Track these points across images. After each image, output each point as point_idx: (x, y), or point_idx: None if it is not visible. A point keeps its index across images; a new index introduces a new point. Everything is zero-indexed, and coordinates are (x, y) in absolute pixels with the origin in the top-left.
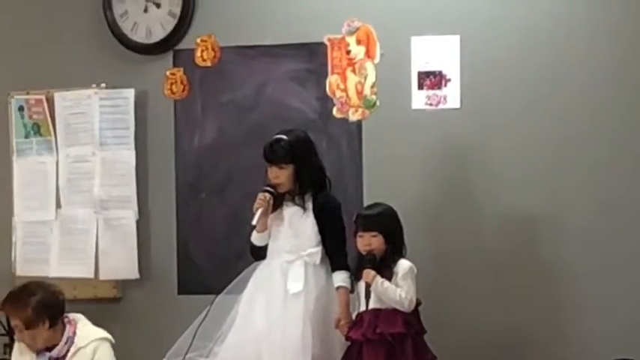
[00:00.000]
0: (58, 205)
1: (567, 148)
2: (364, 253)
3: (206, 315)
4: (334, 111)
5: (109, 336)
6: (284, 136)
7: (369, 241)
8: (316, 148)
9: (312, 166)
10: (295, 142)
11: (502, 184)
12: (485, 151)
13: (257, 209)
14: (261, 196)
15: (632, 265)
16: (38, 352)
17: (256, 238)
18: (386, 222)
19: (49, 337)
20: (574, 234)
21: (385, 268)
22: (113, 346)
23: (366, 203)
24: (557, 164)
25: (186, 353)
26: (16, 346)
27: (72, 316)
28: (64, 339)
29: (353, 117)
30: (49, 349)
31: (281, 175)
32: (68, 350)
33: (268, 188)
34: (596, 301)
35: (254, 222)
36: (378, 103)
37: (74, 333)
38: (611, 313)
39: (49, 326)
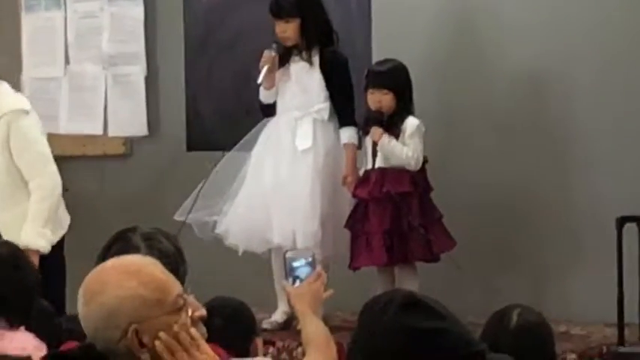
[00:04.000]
0: (67, 62)
1: (579, 2)
2: (374, 109)
3: (210, 172)
4: None
5: (27, 107)
6: None
7: (379, 98)
8: (322, 1)
9: (319, 19)
10: None
11: (511, 40)
12: (493, 6)
13: (262, 67)
14: (266, 53)
15: None
16: None
17: (264, 96)
18: (397, 79)
19: None
20: (583, 89)
21: (393, 126)
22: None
23: (374, 59)
24: (566, 18)
25: (190, 210)
26: None
27: None
28: None
29: None
30: None
31: (287, 29)
32: None
33: (273, 45)
34: (604, 158)
35: (259, 80)
36: None
37: None
38: (620, 170)
39: None
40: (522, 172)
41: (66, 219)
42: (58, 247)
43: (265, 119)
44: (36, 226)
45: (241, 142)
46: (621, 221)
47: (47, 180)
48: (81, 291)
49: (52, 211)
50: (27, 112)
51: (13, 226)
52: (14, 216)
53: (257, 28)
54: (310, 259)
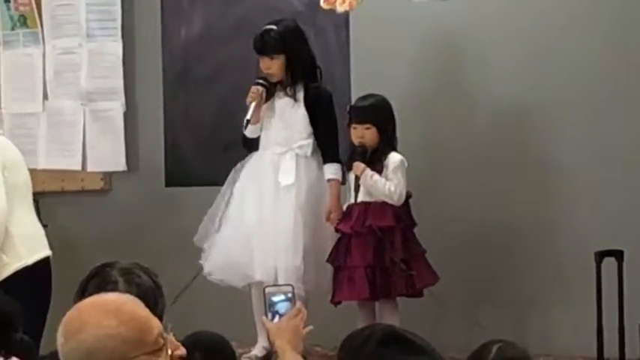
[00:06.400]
0: (45, 97)
1: (561, 38)
2: (357, 144)
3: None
4: (321, 2)
5: None
6: (274, 26)
7: (362, 134)
8: (307, 37)
9: (303, 55)
10: (285, 32)
11: (494, 76)
12: (475, 43)
13: (250, 102)
14: (253, 89)
15: (621, 156)
16: None
17: (249, 130)
18: (379, 114)
19: None
20: (565, 124)
21: (376, 161)
22: None
23: (354, 95)
24: (550, 56)
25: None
26: None
27: None
28: None
29: (340, 8)
30: None
31: (272, 66)
32: None
33: (261, 81)
34: (585, 193)
35: (248, 116)
36: None
37: None
38: (601, 205)
39: None
40: (504, 207)
41: (20, 252)
42: (29, 279)
43: (250, 154)
44: None
45: (230, 176)
46: (600, 255)
47: None
48: (60, 329)
49: None
50: None
51: None
52: None
53: (236, 63)
54: (290, 295)
